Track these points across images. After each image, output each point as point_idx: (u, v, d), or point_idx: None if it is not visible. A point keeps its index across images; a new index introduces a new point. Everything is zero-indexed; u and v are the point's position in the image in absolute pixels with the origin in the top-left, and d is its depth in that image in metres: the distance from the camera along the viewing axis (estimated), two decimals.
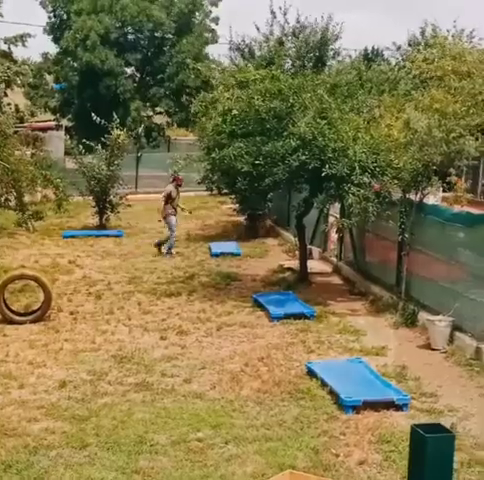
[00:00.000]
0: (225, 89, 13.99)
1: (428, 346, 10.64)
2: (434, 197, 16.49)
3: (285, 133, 12.90)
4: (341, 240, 15.89)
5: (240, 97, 13.54)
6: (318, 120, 12.73)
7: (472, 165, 22.38)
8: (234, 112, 13.38)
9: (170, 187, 17.78)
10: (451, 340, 10.57)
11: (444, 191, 18.43)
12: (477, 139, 12.72)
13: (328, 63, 21.11)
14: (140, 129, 25.95)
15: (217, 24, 35.35)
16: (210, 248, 18.27)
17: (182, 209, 18.50)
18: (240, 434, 7.53)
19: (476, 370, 9.59)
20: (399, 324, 11.79)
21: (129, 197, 22.53)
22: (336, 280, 15.31)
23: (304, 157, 12.54)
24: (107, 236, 20.37)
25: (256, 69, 14.84)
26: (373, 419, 7.97)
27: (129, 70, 35.69)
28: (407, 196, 12.59)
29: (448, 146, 12.38)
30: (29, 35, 29.34)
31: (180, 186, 17.97)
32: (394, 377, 9.33)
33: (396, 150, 12.84)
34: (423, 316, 11.43)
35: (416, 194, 12.50)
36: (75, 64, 33.54)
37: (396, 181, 12.44)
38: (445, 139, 12.34)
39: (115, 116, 21.52)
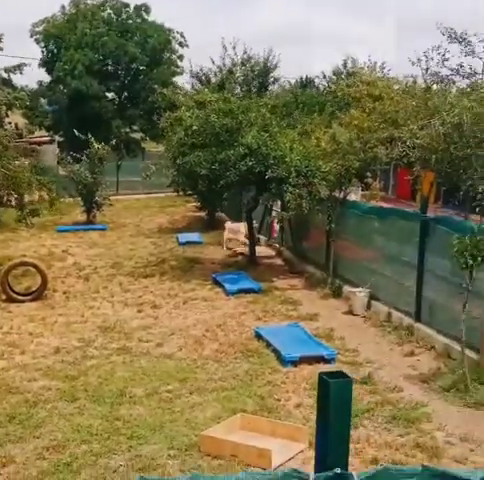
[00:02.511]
0: (186, 109, 13.85)
1: (350, 312, 10.75)
2: (355, 195, 16.66)
3: (235, 144, 12.85)
4: (282, 229, 15.94)
5: (199, 115, 13.44)
6: (262, 133, 12.73)
7: (384, 169, 22.75)
8: (194, 128, 13.27)
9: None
10: (368, 307, 10.70)
11: (363, 190, 18.66)
12: (387, 148, 12.87)
13: (270, 88, 21.05)
14: (113, 142, 25.37)
15: (181, 61, 35.18)
16: (178, 238, 18.12)
17: None
18: (202, 386, 7.51)
19: (388, 330, 9.74)
20: (328, 295, 11.89)
21: (111, 198, 22.22)
22: (279, 262, 15.34)
23: (251, 163, 12.54)
24: (94, 230, 20.02)
25: (212, 93, 14.74)
26: (307, 371, 8.04)
27: (110, 95, 35.15)
28: (333, 194, 12.66)
29: (365, 154, 12.47)
30: (25, 65, 28.60)
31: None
32: (324, 337, 9.40)
33: (324, 158, 12.92)
34: (346, 289, 11.55)
35: (340, 192, 12.58)
36: (65, 90, 32.89)
37: (324, 182, 12.51)
38: (362, 149, 12.44)
39: (89, 135, 21.16)
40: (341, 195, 12.64)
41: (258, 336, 9.32)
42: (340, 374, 1.80)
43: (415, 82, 14.95)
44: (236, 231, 16.79)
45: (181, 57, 34.88)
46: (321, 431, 1.88)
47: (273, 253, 16.12)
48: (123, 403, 6.98)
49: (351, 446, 5.95)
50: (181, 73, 33.14)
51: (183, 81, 27.82)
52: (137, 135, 36.00)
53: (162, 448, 5.90)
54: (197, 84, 21.00)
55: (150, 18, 34.78)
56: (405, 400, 7.17)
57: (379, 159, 13.07)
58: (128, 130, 35.52)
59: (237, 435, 5.99)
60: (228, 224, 17.39)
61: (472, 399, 7.05)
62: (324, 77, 30.54)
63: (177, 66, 34.51)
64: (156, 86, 15.35)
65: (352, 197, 14.33)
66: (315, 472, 1.85)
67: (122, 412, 6.74)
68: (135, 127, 35.39)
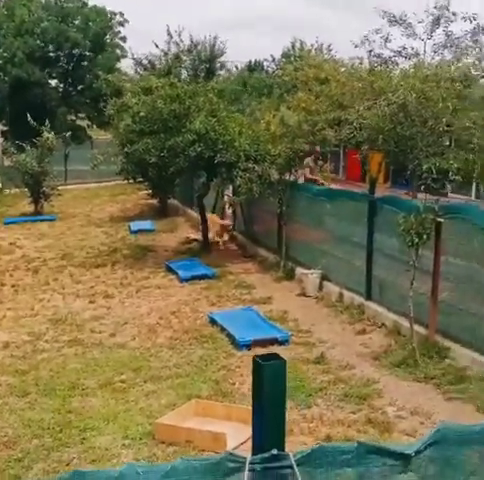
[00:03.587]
0: (133, 95, 13.65)
1: (303, 294, 10.82)
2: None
3: (184, 130, 12.74)
4: (235, 214, 15.95)
5: (146, 102, 13.25)
6: (209, 118, 12.66)
7: (334, 151, 22.96)
8: (141, 114, 13.08)
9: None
10: (320, 288, 10.84)
11: None
12: (335, 131, 12.99)
13: (217, 73, 20.92)
14: (68, 134, 25.09)
15: (125, 42, 34.48)
16: (129, 226, 17.92)
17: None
18: (156, 374, 7.47)
19: (339, 310, 9.88)
20: (281, 278, 11.95)
21: (60, 188, 21.77)
22: (232, 246, 15.31)
23: (200, 149, 12.46)
24: (42, 221, 19.53)
25: (157, 78, 14.55)
26: (261, 354, 8.10)
27: (53, 82, 34.28)
28: (283, 177, 12.70)
29: (314, 136, 12.57)
30: None
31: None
32: (278, 320, 9.46)
33: (273, 141, 12.94)
34: (299, 271, 11.65)
35: (289, 175, 12.64)
36: (6, 78, 31.92)
37: (274, 166, 12.54)
38: (311, 131, 12.52)
39: (47, 122, 20.73)
40: (291, 178, 12.70)
41: (212, 321, 9.32)
42: (274, 356, 1.82)
43: (361, 64, 15.10)
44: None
45: (124, 38, 34.25)
46: (257, 414, 1.90)
47: (226, 238, 16.11)
48: (75, 395, 6.89)
49: (305, 425, 6.10)
50: (125, 56, 32.57)
51: (127, 65, 27.23)
52: (83, 123, 35.28)
53: (116, 438, 5.86)
54: (142, 70, 20.70)
55: (90, 2, 33.98)
56: (357, 377, 7.32)
57: (328, 141, 13.18)
58: (74, 118, 34.79)
59: (192, 421, 6.01)
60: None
61: (421, 373, 7.25)
62: (273, 60, 30.57)
63: (121, 49, 33.86)
64: (101, 72, 14.92)
65: (302, 180, 14.40)
66: (252, 455, 1.86)
67: (74, 405, 6.65)
68: (81, 115, 34.66)
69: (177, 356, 8.09)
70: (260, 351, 8.16)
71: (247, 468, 1.81)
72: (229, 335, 8.66)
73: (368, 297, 9.67)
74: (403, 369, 7.40)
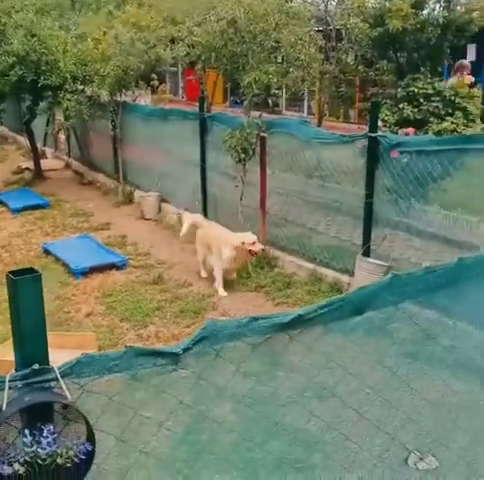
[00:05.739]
0: None
1: (143, 217, 10.77)
2: (144, 99, 16.25)
3: (1, 52, 11.61)
4: (68, 139, 15.16)
5: None
6: (29, 38, 11.61)
7: (172, 71, 22.45)
8: None
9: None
10: (159, 210, 10.82)
11: (152, 94, 18.27)
12: (171, 49, 12.60)
13: None
14: None
15: None
16: None
17: None
18: None
19: (178, 231, 9.94)
20: (120, 203, 11.74)
21: None
22: (68, 174, 14.67)
23: (21, 72, 11.48)
24: None
25: None
26: (99, 280, 8.00)
27: None
28: (114, 98, 12.16)
29: (148, 55, 12.11)
30: None
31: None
32: (116, 245, 9.35)
33: (102, 60, 12.25)
34: (138, 194, 11.52)
35: (120, 96, 12.14)
36: None
37: (104, 86, 11.94)
38: (144, 49, 12.04)
39: None
40: (129, 99, 12.22)
41: (47, 252, 8.99)
42: (30, 270, 1.77)
43: None
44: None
45: None
46: (16, 332, 1.84)
47: (62, 165, 15.36)
48: None
49: (140, 344, 6.18)
50: None
51: None
52: None
53: None
54: None
55: None
56: (194, 294, 7.52)
57: (163, 60, 12.77)
58: None
59: None
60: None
61: (253, 283, 7.62)
62: None
63: None
64: None
65: (142, 102, 13.94)
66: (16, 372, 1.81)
67: None
68: None
69: (7, 291, 7.70)
70: (97, 277, 8.08)
71: (7, 386, 1.76)
72: (64, 265, 8.42)
73: (205, 215, 9.80)
74: (237, 281, 7.72)
